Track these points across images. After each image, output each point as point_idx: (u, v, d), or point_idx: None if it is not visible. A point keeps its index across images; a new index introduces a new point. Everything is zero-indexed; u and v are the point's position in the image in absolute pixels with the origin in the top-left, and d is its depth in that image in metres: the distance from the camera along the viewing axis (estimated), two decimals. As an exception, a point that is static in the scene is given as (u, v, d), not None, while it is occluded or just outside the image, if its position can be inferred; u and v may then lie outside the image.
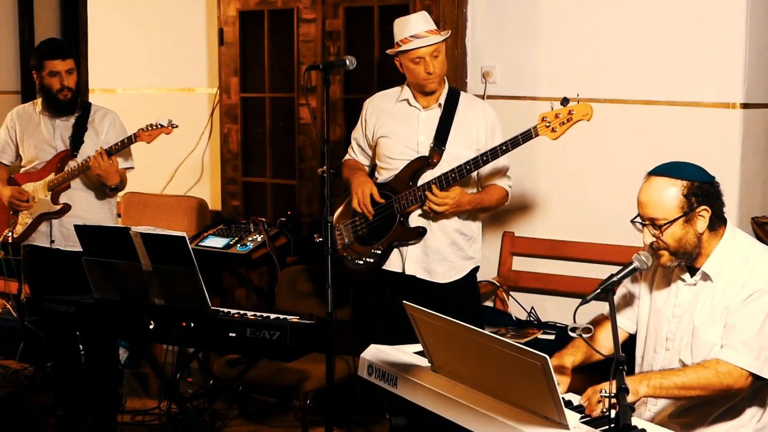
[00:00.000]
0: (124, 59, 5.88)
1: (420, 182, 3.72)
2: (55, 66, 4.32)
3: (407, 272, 3.79)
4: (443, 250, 3.78)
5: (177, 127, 4.31)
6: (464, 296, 3.84)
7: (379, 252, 3.81)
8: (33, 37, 6.81)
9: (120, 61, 5.90)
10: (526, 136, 3.54)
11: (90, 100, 4.66)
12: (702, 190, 2.66)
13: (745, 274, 2.65)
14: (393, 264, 3.82)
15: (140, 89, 5.80)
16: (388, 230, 3.79)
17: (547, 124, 3.51)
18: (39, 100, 4.49)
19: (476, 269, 3.90)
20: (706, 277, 2.71)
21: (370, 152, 3.94)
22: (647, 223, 2.68)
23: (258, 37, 5.05)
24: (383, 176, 3.83)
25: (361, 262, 3.86)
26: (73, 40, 6.66)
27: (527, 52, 4.52)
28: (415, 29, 3.67)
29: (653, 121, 4.23)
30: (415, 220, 3.76)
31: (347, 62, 3.57)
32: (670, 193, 2.65)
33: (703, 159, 2.84)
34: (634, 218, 2.71)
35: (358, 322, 4.32)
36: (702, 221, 2.66)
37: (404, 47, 3.68)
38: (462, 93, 3.89)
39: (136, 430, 4.56)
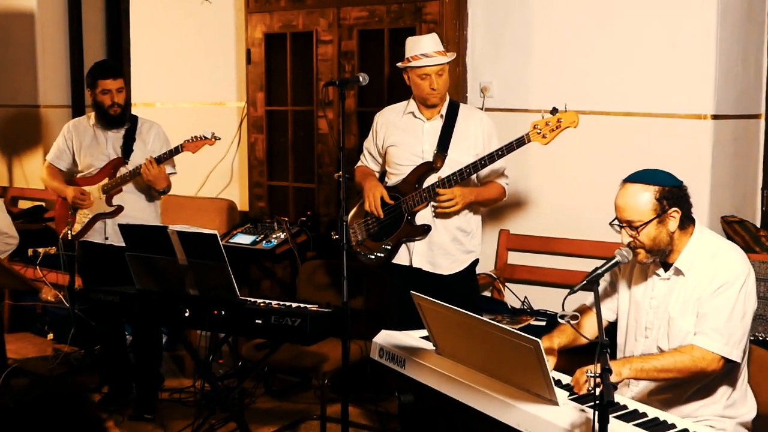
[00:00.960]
0: (162, 76, 5.91)
1: (425, 185, 3.72)
2: (107, 85, 4.35)
3: (414, 265, 3.80)
4: (446, 245, 3.78)
5: (219, 139, 4.33)
6: (465, 287, 3.84)
7: (389, 247, 3.82)
8: (82, 58, 6.83)
9: (159, 78, 5.92)
10: (520, 141, 3.55)
11: (135, 113, 4.68)
12: (672, 193, 2.67)
13: (713, 268, 2.65)
14: (401, 258, 3.83)
15: (177, 103, 5.83)
16: (396, 228, 3.79)
17: (539, 131, 3.51)
18: (92, 114, 4.51)
19: (476, 262, 3.90)
20: (678, 272, 2.72)
21: (380, 159, 3.95)
22: (624, 225, 2.68)
23: (281, 57, 5.06)
24: (392, 180, 3.84)
25: (373, 256, 3.87)
26: (117, 59, 6.69)
27: (521, 69, 4.53)
28: (425, 48, 3.68)
29: (633, 131, 4.23)
30: (421, 218, 3.77)
31: (360, 79, 3.59)
32: (644, 198, 2.65)
33: (677, 165, 2.85)
34: (613, 221, 2.72)
35: (370, 310, 4.33)
36: (673, 221, 2.67)
37: (413, 63, 3.69)
38: (461, 104, 3.90)
39: (174, 406, 4.58)
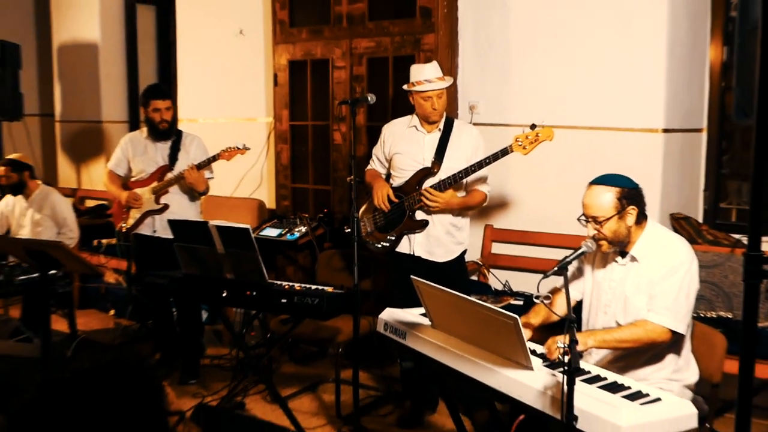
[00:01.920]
0: (204, 96, 5.92)
1: (424, 187, 3.72)
2: (157, 104, 4.36)
3: (414, 254, 3.80)
4: (441, 237, 3.78)
5: (249, 149, 4.35)
6: (456, 272, 3.84)
7: (393, 238, 3.82)
8: (137, 81, 6.85)
9: (201, 98, 5.93)
10: (504, 152, 3.54)
11: (180, 128, 4.69)
12: (630, 194, 2.67)
13: (663, 256, 2.65)
14: (403, 247, 3.82)
15: (216, 119, 5.84)
16: (399, 222, 3.79)
17: (520, 143, 3.50)
18: (145, 129, 4.53)
19: (465, 252, 3.89)
20: (633, 259, 2.72)
21: (386, 164, 3.95)
22: (590, 220, 2.68)
23: (303, 80, 5.06)
24: (396, 182, 3.84)
25: (380, 245, 3.87)
26: (166, 82, 6.71)
27: (502, 90, 4.53)
28: (428, 75, 3.67)
29: (596, 142, 4.23)
30: (420, 214, 3.76)
31: (369, 98, 3.58)
32: (607, 197, 2.65)
33: (634, 170, 2.84)
34: (580, 217, 2.72)
35: (377, 291, 4.34)
36: (631, 217, 2.67)
37: (417, 88, 3.67)
38: (455, 120, 3.89)
39: (214, 371, 4.59)
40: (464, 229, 3.87)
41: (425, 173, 3.74)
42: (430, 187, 3.67)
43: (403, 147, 3.82)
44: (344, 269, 4.48)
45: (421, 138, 3.80)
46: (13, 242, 4.24)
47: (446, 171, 3.70)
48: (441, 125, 3.78)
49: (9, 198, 5.00)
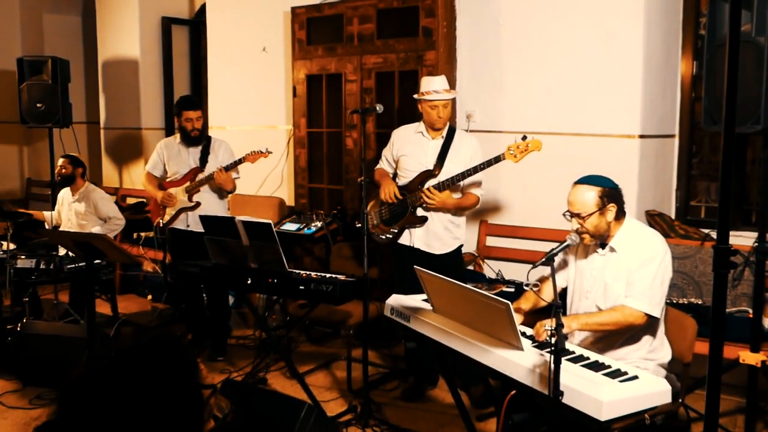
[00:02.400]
0: (231, 106, 5.91)
1: (425, 187, 3.71)
2: (189, 114, 4.35)
3: (415, 246, 3.78)
4: (439, 233, 3.77)
5: (271, 153, 4.35)
6: (453, 263, 3.82)
7: (396, 231, 3.81)
8: (172, 92, 6.86)
9: (229, 108, 5.93)
10: (497, 159, 3.53)
11: (210, 134, 4.69)
12: (610, 193, 2.65)
13: (640, 248, 2.64)
14: (404, 239, 3.81)
15: (242, 126, 5.83)
16: (402, 216, 3.78)
17: (512, 152, 3.50)
18: (178, 135, 4.52)
19: (461, 246, 3.87)
20: (613, 250, 2.70)
21: (393, 165, 3.93)
22: (574, 215, 2.67)
23: (318, 92, 5.05)
24: (401, 181, 3.82)
25: (384, 237, 3.86)
26: (197, 94, 6.71)
27: (495, 101, 4.51)
28: (436, 86, 3.66)
29: (580, 147, 4.21)
30: (420, 210, 3.75)
31: (377, 108, 3.57)
32: (589, 196, 2.63)
33: (613, 172, 2.83)
34: (565, 212, 2.70)
35: (383, 279, 4.33)
36: (611, 213, 2.65)
37: (426, 97, 3.66)
38: (457, 129, 3.88)
39: (239, 349, 4.59)
40: (461, 227, 3.85)
41: (427, 175, 3.73)
42: (431, 186, 3.66)
43: (409, 150, 3.80)
44: (354, 259, 4.47)
45: (425, 143, 3.79)
46: (62, 235, 4.25)
47: (446, 174, 3.68)
48: (444, 133, 3.76)
49: (60, 194, 5.03)
